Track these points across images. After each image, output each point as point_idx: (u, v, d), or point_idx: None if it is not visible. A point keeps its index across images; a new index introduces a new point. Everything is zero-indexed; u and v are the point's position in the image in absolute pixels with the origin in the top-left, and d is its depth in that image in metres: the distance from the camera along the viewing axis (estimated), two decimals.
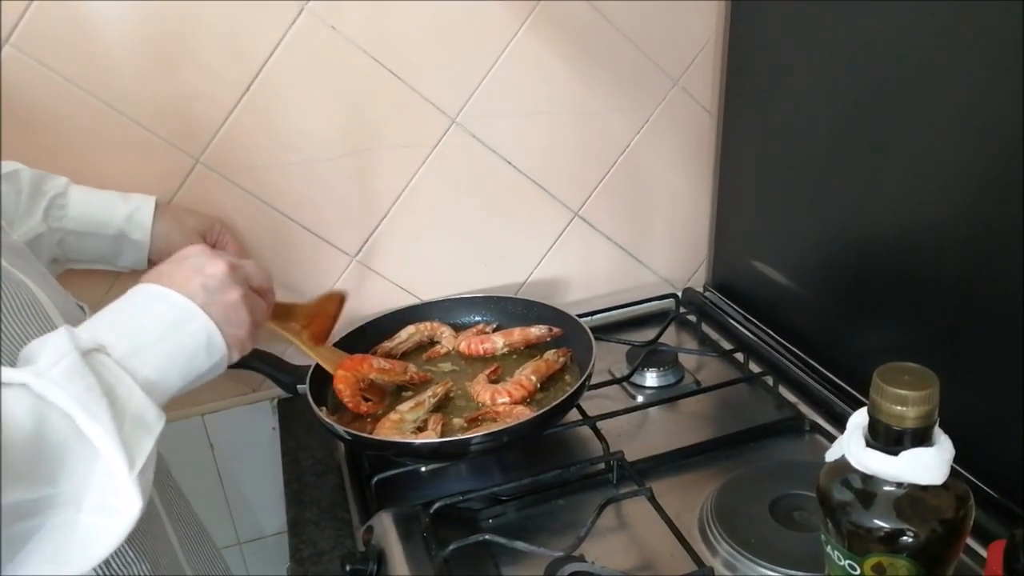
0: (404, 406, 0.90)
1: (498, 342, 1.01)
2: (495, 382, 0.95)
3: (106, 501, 0.50)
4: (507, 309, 1.09)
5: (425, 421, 0.90)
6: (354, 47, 0.97)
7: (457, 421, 0.90)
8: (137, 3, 0.88)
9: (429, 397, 0.92)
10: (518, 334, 1.03)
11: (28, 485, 0.46)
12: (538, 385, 0.93)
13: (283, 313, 0.87)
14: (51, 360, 0.51)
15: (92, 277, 0.96)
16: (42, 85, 0.87)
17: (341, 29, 0.95)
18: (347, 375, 0.90)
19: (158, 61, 0.91)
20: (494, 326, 1.07)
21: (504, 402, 0.91)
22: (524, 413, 0.88)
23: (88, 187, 0.87)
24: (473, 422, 0.89)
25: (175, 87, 0.92)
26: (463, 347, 1.03)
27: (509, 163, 1.10)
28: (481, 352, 1.02)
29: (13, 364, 0.56)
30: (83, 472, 0.49)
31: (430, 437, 0.86)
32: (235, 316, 0.62)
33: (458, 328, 1.07)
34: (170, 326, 0.59)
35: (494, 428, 0.85)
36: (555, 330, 1.03)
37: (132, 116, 0.92)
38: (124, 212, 0.87)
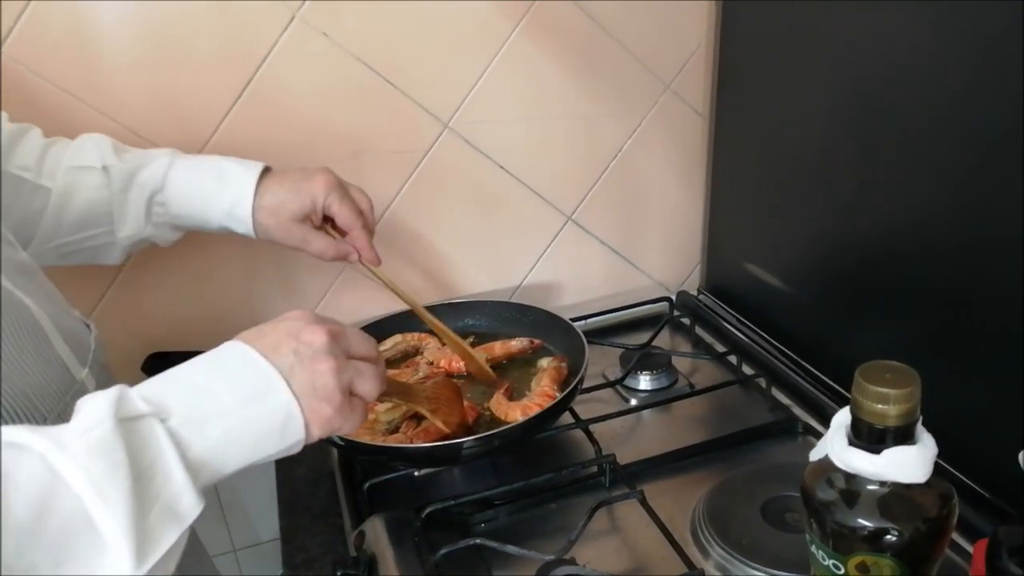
0: (381, 407, 0.91)
1: (479, 358, 0.99)
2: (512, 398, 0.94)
3: None
4: (501, 314, 1.09)
5: (398, 425, 0.90)
6: (346, 53, 0.97)
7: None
8: (128, 9, 0.88)
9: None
10: (499, 348, 1.02)
11: (13, 570, 0.42)
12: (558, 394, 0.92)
13: (398, 391, 0.80)
14: (81, 429, 0.46)
15: (86, 282, 0.96)
16: (36, 94, 0.88)
17: (333, 36, 0.96)
18: None
19: (150, 67, 0.91)
20: (471, 339, 1.05)
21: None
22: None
23: (186, 170, 0.81)
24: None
25: (167, 93, 0.93)
26: (443, 363, 1.01)
27: (502, 168, 1.10)
28: (462, 369, 1.00)
29: (11, 392, 0.54)
30: (86, 561, 0.44)
31: (401, 441, 0.86)
32: (323, 389, 0.55)
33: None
34: (246, 397, 0.52)
35: (487, 432, 0.85)
36: (536, 342, 1.03)
37: (125, 123, 0.92)
38: (224, 208, 0.81)
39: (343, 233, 0.87)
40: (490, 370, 0.99)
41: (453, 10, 0.99)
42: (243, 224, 0.82)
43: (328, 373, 0.55)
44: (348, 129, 1.01)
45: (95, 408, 0.47)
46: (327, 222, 0.86)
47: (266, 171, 0.83)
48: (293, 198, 0.82)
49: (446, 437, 0.86)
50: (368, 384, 0.59)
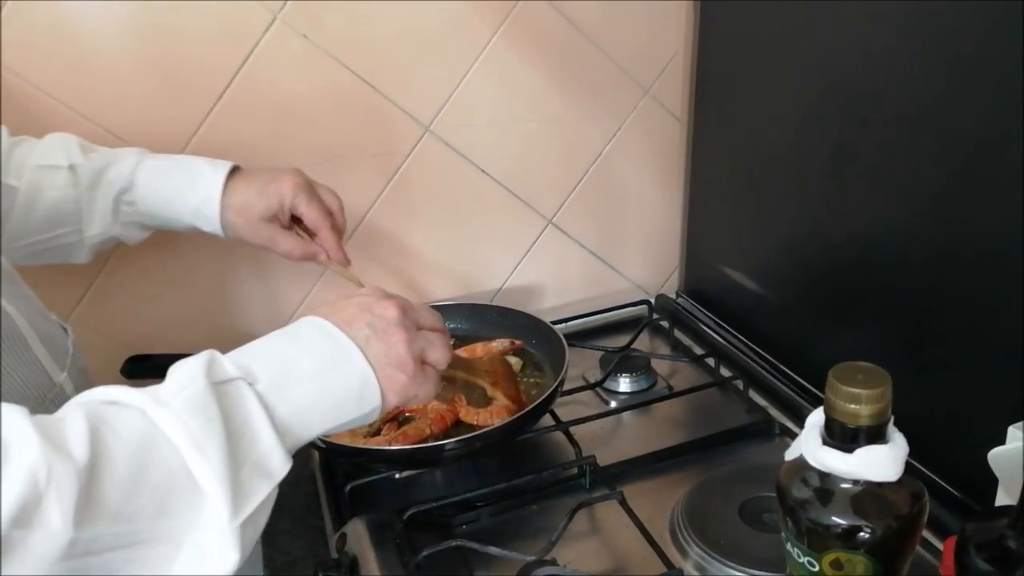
0: None
1: (510, 362, 1.00)
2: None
3: (207, 544, 0.47)
4: (482, 316, 1.09)
5: (380, 427, 0.90)
6: (327, 56, 0.97)
7: (421, 426, 0.90)
8: (109, 11, 0.88)
9: None
10: (481, 349, 1.03)
11: (117, 520, 0.43)
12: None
13: (462, 365, 0.83)
14: (177, 387, 0.48)
15: (66, 283, 0.96)
16: (14, 95, 0.87)
17: (314, 38, 0.96)
18: None
19: (130, 69, 0.91)
20: (452, 341, 1.06)
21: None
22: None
23: (154, 169, 0.82)
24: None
25: (147, 95, 0.92)
26: None
27: (483, 171, 1.11)
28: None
29: None
30: (186, 510, 0.46)
31: (382, 444, 0.86)
32: (397, 358, 0.58)
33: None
34: (325, 364, 0.55)
35: (467, 434, 0.85)
36: (516, 342, 1.03)
37: (104, 125, 0.92)
38: (192, 207, 0.82)
39: (312, 234, 0.87)
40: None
41: (434, 14, 1.00)
42: (211, 223, 0.83)
43: (401, 343, 0.59)
44: (329, 132, 1.02)
45: (188, 370, 0.50)
46: (296, 222, 0.86)
47: (235, 170, 0.83)
48: (261, 198, 0.82)
49: (429, 438, 0.87)
50: (438, 353, 0.63)
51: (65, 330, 0.74)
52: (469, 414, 0.92)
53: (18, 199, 0.77)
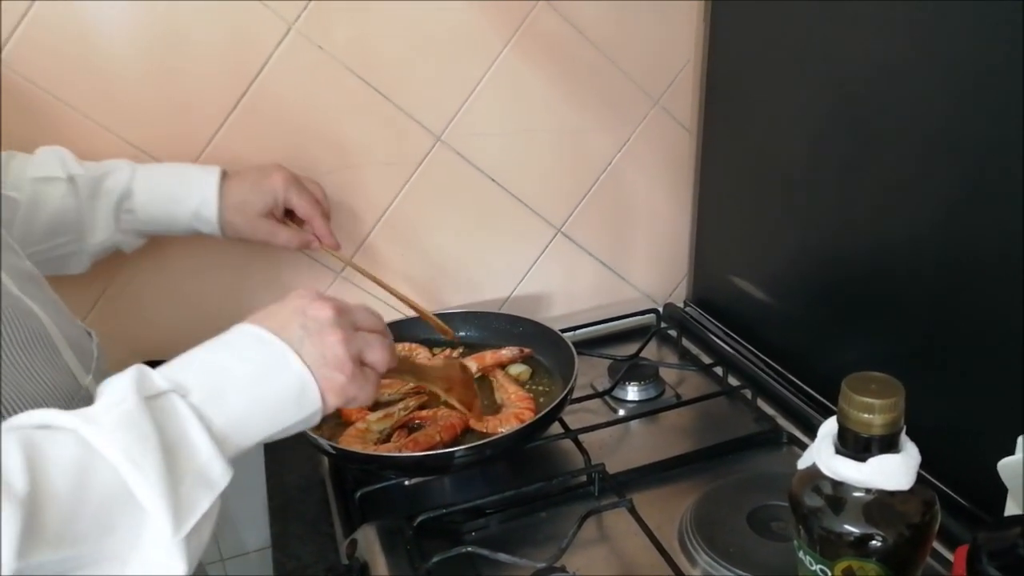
0: (373, 416, 0.92)
1: (471, 367, 0.99)
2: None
3: (152, 559, 0.47)
4: (491, 324, 1.10)
5: (390, 435, 0.91)
6: (341, 66, 0.98)
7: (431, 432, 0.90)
8: (125, 19, 0.89)
9: (400, 410, 0.93)
10: (490, 357, 1.03)
11: (59, 545, 0.43)
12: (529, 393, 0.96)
13: (410, 369, 0.83)
14: (108, 404, 0.48)
15: (78, 291, 0.97)
16: (31, 103, 0.88)
17: (328, 48, 0.97)
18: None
19: (145, 77, 0.92)
20: (460, 350, 1.07)
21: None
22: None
23: (149, 177, 0.85)
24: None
25: (162, 104, 0.93)
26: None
27: (493, 180, 1.11)
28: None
29: (21, 398, 0.56)
30: (128, 528, 0.46)
31: (392, 450, 0.87)
32: (333, 359, 0.58)
33: (433, 346, 1.08)
34: (260, 372, 0.55)
35: (477, 442, 0.86)
36: (526, 350, 1.04)
37: (119, 133, 0.93)
38: (190, 210, 0.86)
39: (301, 223, 0.93)
40: (444, 325, 1.02)
41: (447, 25, 1.01)
42: (209, 224, 0.87)
43: (337, 344, 0.58)
44: (341, 141, 1.03)
45: (118, 387, 0.49)
46: (287, 215, 0.92)
47: (223, 174, 0.88)
48: (257, 196, 0.88)
49: (438, 445, 0.87)
50: (377, 353, 0.62)
51: (90, 334, 0.74)
52: (480, 422, 0.92)
53: (19, 211, 0.79)
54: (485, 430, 0.91)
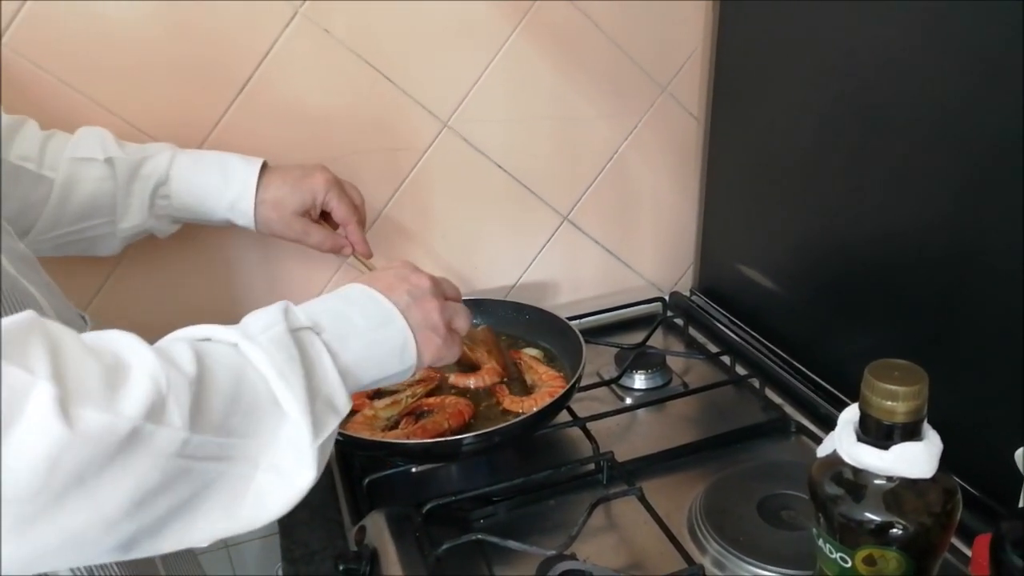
0: (380, 402, 0.92)
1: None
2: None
3: (285, 464, 0.51)
4: (497, 312, 1.09)
5: (397, 421, 0.91)
6: (347, 51, 0.97)
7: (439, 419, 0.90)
8: (130, 5, 0.88)
9: (407, 396, 0.93)
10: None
11: (218, 431, 0.48)
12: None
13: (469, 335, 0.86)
14: (262, 327, 0.54)
15: (83, 277, 0.96)
16: (36, 85, 0.87)
17: (335, 33, 0.96)
18: None
19: (151, 61, 0.91)
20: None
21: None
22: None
23: (189, 164, 0.85)
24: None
25: (167, 87, 0.92)
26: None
27: (500, 167, 1.11)
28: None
29: None
30: (269, 433, 0.51)
31: (400, 437, 0.87)
32: (432, 323, 0.65)
33: None
34: (375, 323, 0.61)
35: (485, 429, 0.85)
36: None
37: (124, 116, 0.91)
38: (228, 201, 0.85)
39: (336, 227, 0.92)
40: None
41: (454, 10, 1.00)
42: (245, 217, 0.86)
43: (435, 311, 0.66)
44: (347, 126, 1.02)
45: (269, 314, 0.55)
46: (323, 216, 0.91)
47: (264, 166, 0.87)
48: (295, 194, 0.87)
49: (447, 432, 0.87)
50: (462, 320, 0.70)
51: (84, 319, 0.74)
52: (513, 403, 0.93)
53: (53, 191, 0.78)
54: (521, 410, 0.91)
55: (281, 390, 0.51)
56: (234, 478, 0.50)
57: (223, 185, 0.85)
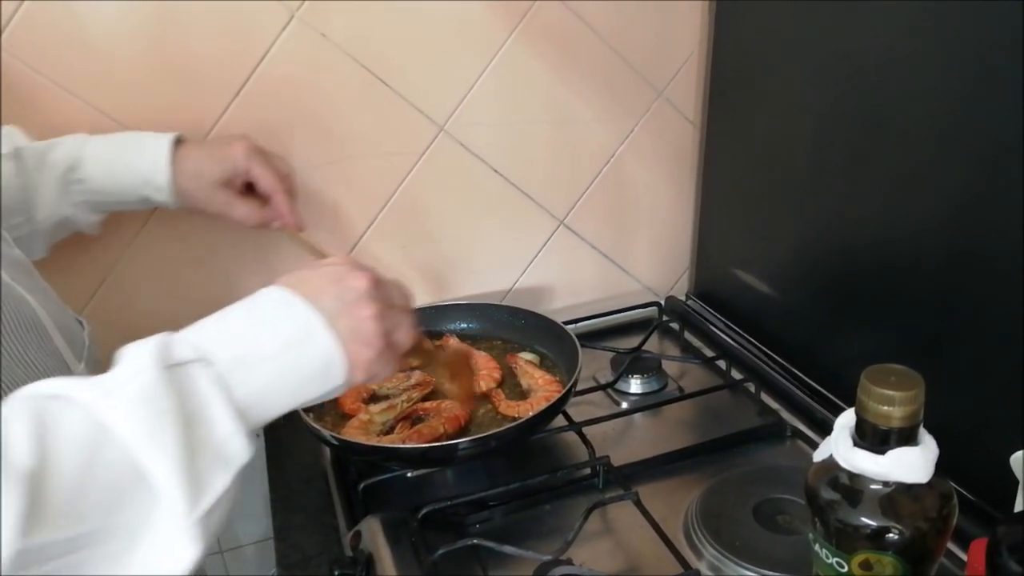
0: (376, 407, 0.92)
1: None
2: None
3: (160, 541, 0.45)
4: (493, 316, 1.09)
5: (393, 426, 0.90)
6: (344, 55, 0.97)
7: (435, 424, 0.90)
8: (127, 6, 0.88)
9: (403, 401, 0.93)
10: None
11: (68, 523, 0.41)
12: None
13: (421, 353, 0.78)
14: (127, 375, 0.46)
15: (80, 279, 0.96)
16: (32, 89, 0.87)
17: (331, 36, 0.96)
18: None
19: (147, 64, 0.91)
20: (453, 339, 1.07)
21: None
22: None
23: (100, 145, 0.82)
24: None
25: (164, 91, 0.92)
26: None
27: (496, 171, 1.11)
28: None
29: (12, 384, 0.54)
30: (137, 508, 0.44)
31: (396, 442, 0.86)
32: (365, 333, 0.56)
33: (435, 337, 1.07)
34: (288, 342, 0.52)
35: (482, 433, 0.85)
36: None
37: (120, 119, 0.91)
38: (142, 176, 0.81)
39: (264, 200, 0.87)
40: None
41: (451, 14, 1.00)
42: (162, 192, 0.82)
43: (371, 319, 0.56)
44: (344, 130, 1.02)
45: (139, 356, 0.47)
46: (248, 190, 0.86)
47: (180, 141, 0.83)
48: (214, 163, 0.82)
49: (442, 437, 0.87)
50: (405, 333, 0.60)
51: (81, 323, 0.74)
52: (509, 407, 0.92)
53: None
54: (517, 415, 0.91)
55: (149, 457, 0.44)
56: (107, 561, 0.43)
57: (136, 160, 0.81)
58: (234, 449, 0.48)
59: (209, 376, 0.48)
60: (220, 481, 0.47)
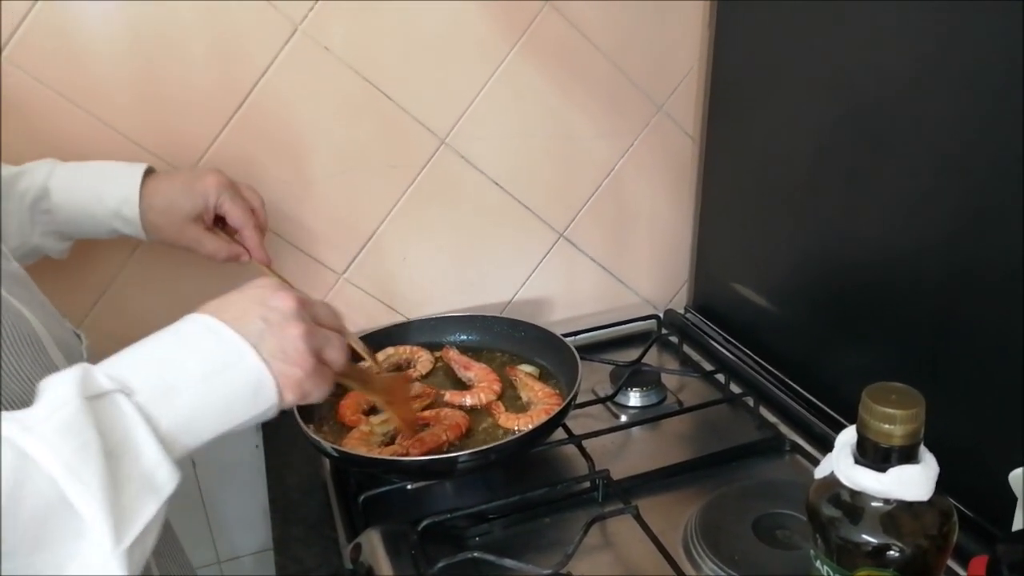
0: (376, 418, 0.92)
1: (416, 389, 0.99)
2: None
3: (92, 572, 0.44)
4: (493, 328, 1.10)
5: (394, 437, 0.90)
6: (346, 68, 0.98)
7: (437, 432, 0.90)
8: (130, 17, 0.88)
9: None
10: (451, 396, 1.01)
11: None
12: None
13: (357, 375, 0.79)
14: (48, 410, 0.46)
15: (78, 293, 0.96)
16: (34, 99, 0.87)
17: (334, 50, 0.96)
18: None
19: (151, 77, 0.91)
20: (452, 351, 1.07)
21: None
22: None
23: (68, 176, 0.80)
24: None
25: (167, 103, 0.93)
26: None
27: (497, 184, 1.11)
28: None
29: (8, 399, 0.54)
30: (68, 540, 0.44)
31: (397, 453, 0.86)
32: (293, 353, 0.55)
33: (435, 349, 1.08)
34: (214, 367, 0.52)
35: (481, 446, 0.85)
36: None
37: (123, 131, 0.92)
38: (110, 209, 0.80)
39: (233, 233, 0.87)
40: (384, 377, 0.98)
41: (453, 28, 1.01)
42: (131, 225, 0.81)
43: (298, 338, 0.55)
44: (346, 142, 1.02)
45: (60, 388, 0.47)
46: (218, 223, 0.86)
47: (150, 172, 0.83)
48: (186, 198, 0.82)
49: (444, 444, 0.88)
50: (335, 352, 0.60)
51: (79, 336, 0.73)
52: (509, 420, 0.93)
53: None
54: (517, 427, 0.91)
55: (73, 490, 0.43)
56: None
57: (105, 192, 0.80)
58: (161, 478, 0.48)
59: (131, 406, 0.48)
60: (147, 511, 0.47)
